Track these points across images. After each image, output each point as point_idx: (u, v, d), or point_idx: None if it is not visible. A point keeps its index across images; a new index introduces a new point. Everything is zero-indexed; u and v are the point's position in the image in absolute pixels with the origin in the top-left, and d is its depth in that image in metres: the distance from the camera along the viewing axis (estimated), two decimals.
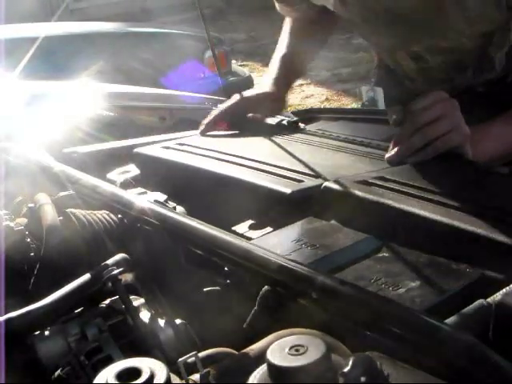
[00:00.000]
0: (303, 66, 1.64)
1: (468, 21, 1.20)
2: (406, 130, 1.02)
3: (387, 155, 1.03)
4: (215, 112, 1.39)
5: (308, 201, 0.90)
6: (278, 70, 1.50)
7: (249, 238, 0.83)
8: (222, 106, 1.41)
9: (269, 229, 0.87)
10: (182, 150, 1.17)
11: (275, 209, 0.91)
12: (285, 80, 1.51)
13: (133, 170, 1.18)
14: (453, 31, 1.24)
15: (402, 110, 1.04)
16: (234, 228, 0.88)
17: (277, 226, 0.86)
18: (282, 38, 1.58)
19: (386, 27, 1.30)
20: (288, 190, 0.90)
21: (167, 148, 1.20)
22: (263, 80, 1.55)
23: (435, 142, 0.99)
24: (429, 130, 0.99)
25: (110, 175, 1.16)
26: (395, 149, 1.03)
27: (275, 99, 1.46)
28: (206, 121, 1.37)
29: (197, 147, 1.18)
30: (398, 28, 1.28)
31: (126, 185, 1.07)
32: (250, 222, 0.90)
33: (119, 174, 1.16)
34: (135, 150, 1.21)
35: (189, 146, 1.20)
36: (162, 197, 0.97)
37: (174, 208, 0.95)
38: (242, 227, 0.89)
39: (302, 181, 0.94)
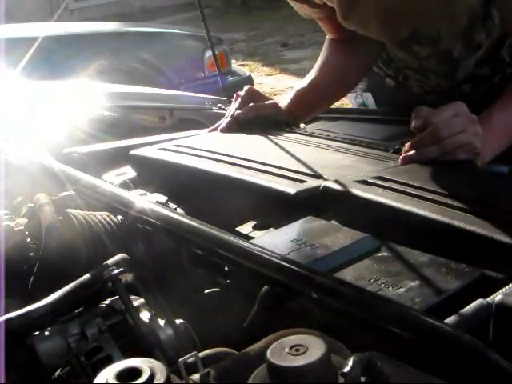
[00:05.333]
0: (317, 104, 1.53)
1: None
2: (424, 138, 1.03)
3: (402, 156, 1.04)
4: (226, 118, 1.36)
5: (311, 201, 0.90)
6: (290, 101, 1.44)
7: (253, 239, 0.83)
8: (232, 112, 1.37)
9: (272, 229, 0.87)
10: (180, 152, 1.16)
11: (279, 209, 0.90)
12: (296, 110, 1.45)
13: (129, 172, 1.17)
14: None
15: (423, 115, 1.04)
16: (237, 229, 0.88)
17: (280, 226, 0.86)
18: (316, 64, 1.52)
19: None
20: (292, 190, 0.90)
21: (164, 149, 1.18)
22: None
23: (448, 153, 1.02)
24: (447, 144, 1.01)
25: (105, 177, 1.15)
26: (410, 152, 1.04)
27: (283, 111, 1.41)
28: (220, 126, 1.36)
29: (194, 148, 1.17)
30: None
31: (124, 186, 1.07)
32: (254, 222, 0.89)
33: (115, 176, 1.15)
34: (131, 151, 1.19)
35: (186, 147, 1.19)
36: (162, 198, 0.97)
37: (175, 209, 0.94)
38: (246, 228, 0.88)
39: (305, 181, 0.94)
